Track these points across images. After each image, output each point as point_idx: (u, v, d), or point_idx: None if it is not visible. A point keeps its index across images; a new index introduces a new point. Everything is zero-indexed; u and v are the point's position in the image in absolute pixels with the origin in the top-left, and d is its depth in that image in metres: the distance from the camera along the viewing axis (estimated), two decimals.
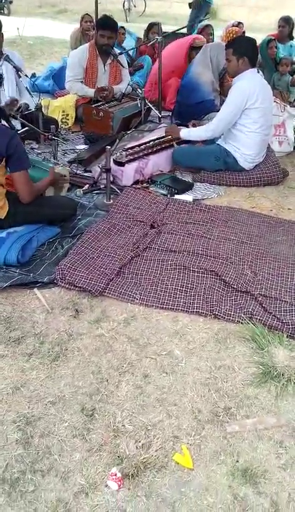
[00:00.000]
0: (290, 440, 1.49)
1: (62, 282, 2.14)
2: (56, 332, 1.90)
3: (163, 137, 3.51)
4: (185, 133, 3.41)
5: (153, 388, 1.66)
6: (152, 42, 4.57)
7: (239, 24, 5.37)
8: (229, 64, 3.23)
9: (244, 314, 1.97)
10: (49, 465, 1.39)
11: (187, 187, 3.20)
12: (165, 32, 4.93)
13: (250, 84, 3.11)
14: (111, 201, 2.92)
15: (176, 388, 1.67)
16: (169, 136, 3.50)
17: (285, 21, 5.60)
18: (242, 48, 3.11)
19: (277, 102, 3.87)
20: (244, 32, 5.23)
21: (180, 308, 2.03)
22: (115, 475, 1.34)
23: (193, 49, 4.52)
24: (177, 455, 1.42)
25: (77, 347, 1.84)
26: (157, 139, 3.50)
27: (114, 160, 3.14)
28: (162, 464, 1.40)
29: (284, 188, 3.32)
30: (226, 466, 1.41)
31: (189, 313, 2.02)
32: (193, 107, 3.94)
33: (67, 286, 2.14)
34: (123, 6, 13.94)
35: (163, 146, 3.44)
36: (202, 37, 4.74)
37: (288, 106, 4.06)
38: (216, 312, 1.99)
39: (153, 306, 2.05)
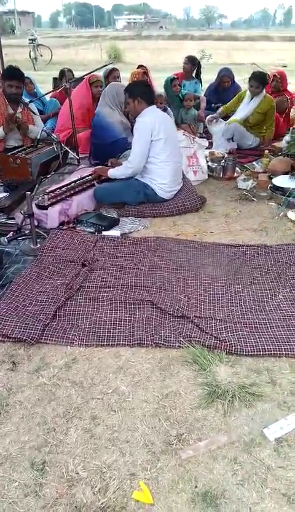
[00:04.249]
0: (243, 455, 1.52)
1: None
2: None
3: (85, 177, 3.58)
4: (111, 172, 3.54)
5: (103, 429, 1.63)
6: (61, 89, 4.71)
7: (141, 66, 5.74)
8: (128, 107, 3.50)
9: (183, 338, 2.02)
10: None
11: (113, 223, 3.26)
12: (75, 78, 5.14)
13: (151, 118, 3.34)
14: (38, 245, 2.90)
15: (126, 425, 1.64)
16: (90, 176, 3.58)
17: (189, 59, 6.08)
18: (134, 91, 3.39)
19: (186, 135, 4.12)
20: (146, 73, 5.60)
21: (121, 343, 2.03)
22: None
23: (91, 84, 4.78)
24: (136, 492, 1.39)
25: (19, 400, 1.76)
26: (78, 180, 3.56)
27: (36, 204, 3.14)
28: (122, 505, 1.36)
29: (204, 213, 3.51)
30: (186, 493, 1.40)
31: (131, 346, 2.03)
32: (108, 146, 4.08)
33: (0, 339, 2.06)
34: (30, 56, 14.28)
35: (84, 186, 3.50)
36: (95, 74, 4.97)
37: (197, 137, 4.34)
38: (157, 341, 2.02)
39: (93, 345, 2.04)
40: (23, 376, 1.89)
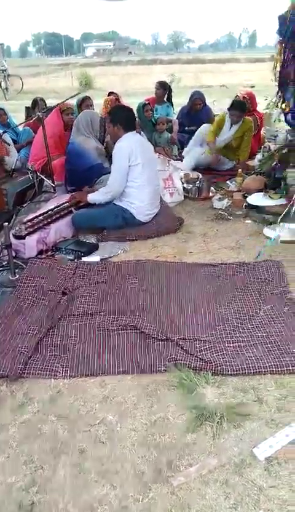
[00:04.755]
0: (234, 477, 1.51)
1: None
2: None
3: (61, 204, 3.59)
4: (90, 197, 3.56)
5: (92, 462, 1.59)
6: (34, 118, 4.74)
7: (112, 93, 5.86)
8: (108, 130, 3.59)
9: (168, 362, 2.01)
10: None
11: (92, 248, 3.27)
12: (47, 107, 5.19)
13: (129, 144, 3.40)
14: (17, 276, 2.87)
15: (116, 456, 1.61)
16: (68, 203, 3.60)
17: (160, 85, 6.25)
18: (116, 118, 3.47)
19: (161, 158, 4.20)
20: (118, 99, 5.71)
21: (106, 371, 2.01)
22: None
23: (63, 112, 4.83)
24: None
25: (3, 440, 1.71)
26: (55, 207, 3.57)
27: (13, 234, 3.12)
28: None
29: (182, 233, 3.54)
30: None
31: (116, 374, 2.01)
32: (84, 173, 4.11)
33: None
34: (0, 86, 14.39)
35: (61, 213, 3.51)
36: (67, 102, 5.02)
37: (172, 160, 4.42)
38: (142, 367, 2.00)
39: (77, 376, 2.00)
40: (6, 413, 1.84)
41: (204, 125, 5.23)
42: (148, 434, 1.70)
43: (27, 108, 6.17)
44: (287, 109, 4.47)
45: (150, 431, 1.71)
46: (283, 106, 4.48)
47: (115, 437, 1.69)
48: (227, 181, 4.65)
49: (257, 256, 3.01)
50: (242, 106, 4.83)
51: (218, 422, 1.71)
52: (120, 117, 3.47)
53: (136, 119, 5.29)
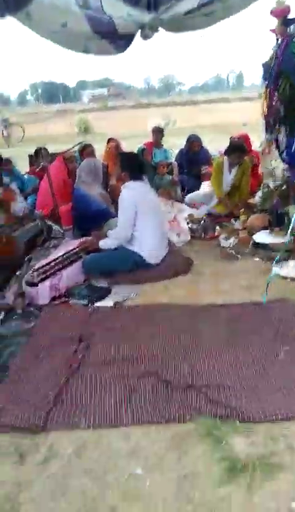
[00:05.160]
0: None
1: None
2: (2, 485, 1.70)
3: (71, 250, 3.63)
4: (102, 243, 3.62)
5: None
6: (39, 168, 4.88)
7: (112, 139, 6.06)
8: (116, 170, 3.72)
9: (193, 411, 1.97)
10: None
11: (105, 292, 3.27)
12: (51, 154, 5.36)
13: (134, 193, 3.51)
14: (32, 323, 2.86)
15: None
16: (77, 249, 3.64)
17: (158, 130, 6.47)
18: (124, 164, 3.61)
19: (165, 201, 4.29)
20: (118, 146, 5.90)
21: (130, 422, 1.97)
22: None
23: (67, 160, 4.96)
24: None
25: (30, 497, 1.65)
26: (65, 253, 3.60)
27: (26, 282, 3.14)
28: None
29: (192, 275, 3.57)
30: None
31: (141, 424, 1.96)
32: (90, 218, 4.18)
33: (1, 430, 1.96)
34: (2, 134, 14.87)
35: (72, 259, 3.54)
36: (70, 151, 5.18)
37: (175, 202, 4.51)
38: (167, 417, 1.96)
39: (100, 426, 1.96)
40: (32, 468, 1.79)
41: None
42: (179, 490, 1.64)
43: (30, 156, 6.36)
44: (267, 150, 4.62)
45: (180, 485, 1.66)
46: (260, 148, 4.66)
47: (145, 493, 1.64)
48: (231, 220, 4.71)
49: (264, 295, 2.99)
50: (242, 147, 4.95)
51: (251, 475, 1.65)
52: (128, 165, 3.60)
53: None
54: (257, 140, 5.31)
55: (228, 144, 5.06)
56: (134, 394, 2.12)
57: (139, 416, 1.99)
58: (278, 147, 4.58)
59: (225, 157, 4.86)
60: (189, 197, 5.32)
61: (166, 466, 1.75)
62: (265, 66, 4.38)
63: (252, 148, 6.18)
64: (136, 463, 1.77)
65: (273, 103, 4.38)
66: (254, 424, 1.90)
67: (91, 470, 1.75)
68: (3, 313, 2.99)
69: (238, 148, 4.87)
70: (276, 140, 4.55)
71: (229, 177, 4.92)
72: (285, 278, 3.32)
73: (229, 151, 4.82)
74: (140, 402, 2.06)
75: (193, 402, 2.02)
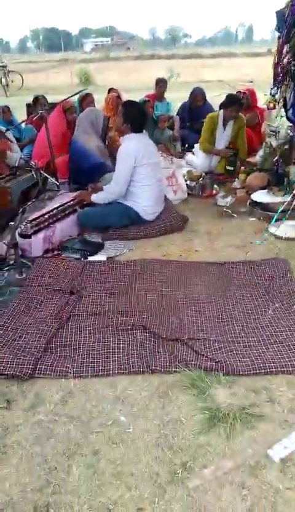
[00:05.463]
0: (250, 479, 1.51)
1: None
2: None
3: (66, 203, 3.58)
4: (94, 197, 3.54)
5: (106, 463, 1.59)
6: (37, 116, 4.71)
7: (112, 89, 5.82)
8: (117, 121, 3.56)
9: (179, 363, 2.01)
10: None
11: (98, 247, 3.26)
12: (49, 105, 5.16)
13: (134, 145, 3.36)
14: (24, 275, 2.86)
15: (129, 457, 1.61)
16: (72, 202, 3.58)
17: (161, 81, 6.20)
18: (127, 115, 3.40)
19: (164, 156, 4.18)
20: (119, 96, 5.67)
21: (116, 371, 2.01)
22: None
23: (66, 111, 4.80)
24: None
25: (16, 440, 1.71)
26: (60, 206, 3.55)
27: (19, 233, 3.11)
28: None
29: (187, 232, 3.54)
30: None
31: (127, 374, 2.00)
32: (87, 171, 4.10)
33: None
34: (1, 82, 14.31)
35: (67, 212, 3.50)
36: (69, 100, 4.98)
37: (174, 158, 4.40)
38: (153, 367, 2.00)
39: (88, 376, 2.00)
40: (18, 414, 1.84)
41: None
42: (161, 435, 1.70)
43: (28, 105, 6.13)
44: (271, 105, 4.43)
45: (163, 432, 1.71)
46: (268, 100, 4.43)
47: (128, 438, 1.69)
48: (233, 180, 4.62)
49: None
50: (239, 101, 4.78)
51: (231, 423, 1.71)
52: (131, 117, 3.40)
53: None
54: (264, 98, 5.11)
55: (225, 97, 4.85)
56: (122, 345, 2.15)
57: (126, 365, 2.02)
58: (284, 106, 4.41)
59: (221, 112, 4.69)
60: (188, 159, 5.20)
61: (150, 413, 1.80)
62: (279, 13, 4.08)
63: (257, 105, 5.98)
64: (121, 409, 1.82)
65: (283, 57, 4.17)
66: (238, 377, 1.94)
67: (76, 416, 1.80)
68: None
69: (237, 101, 4.71)
70: (285, 99, 4.37)
71: (223, 135, 4.77)
72: (280, 238, 3.30)
73: (227, 104, 4.65)
74: (128, 353, 2.10)
75: (179, 354, 2.05)
